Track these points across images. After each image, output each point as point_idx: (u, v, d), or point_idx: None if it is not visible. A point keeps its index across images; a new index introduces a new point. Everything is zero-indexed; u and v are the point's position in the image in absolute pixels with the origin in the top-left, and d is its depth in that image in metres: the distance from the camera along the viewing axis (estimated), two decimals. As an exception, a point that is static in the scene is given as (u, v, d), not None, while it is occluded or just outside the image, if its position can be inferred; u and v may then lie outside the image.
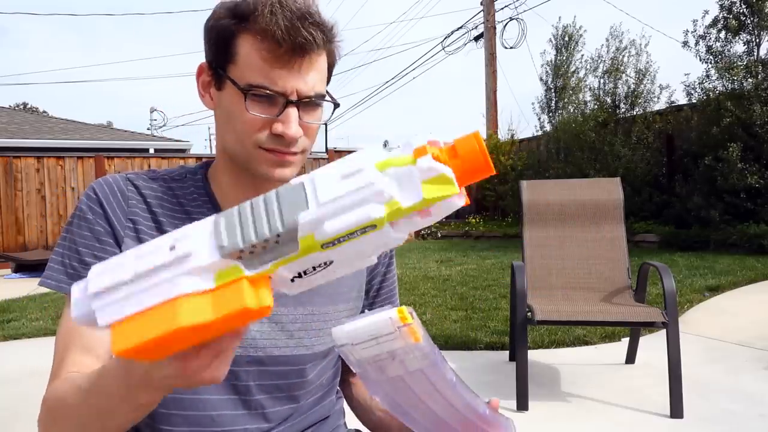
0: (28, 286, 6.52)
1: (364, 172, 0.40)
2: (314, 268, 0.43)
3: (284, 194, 0.41)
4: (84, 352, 0.76)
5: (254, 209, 0.41)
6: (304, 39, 0.73)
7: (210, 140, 46.50)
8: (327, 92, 0.82)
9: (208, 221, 0.42)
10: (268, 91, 0.74)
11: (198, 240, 0.42)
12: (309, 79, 0.76)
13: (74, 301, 0.44)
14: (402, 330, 0.55)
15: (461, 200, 0.42)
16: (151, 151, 14.81)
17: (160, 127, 29.15)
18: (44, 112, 36.37)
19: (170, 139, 17.64)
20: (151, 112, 29.31)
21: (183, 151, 15.55)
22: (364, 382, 0.59)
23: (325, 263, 0.43)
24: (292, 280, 0.45)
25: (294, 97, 0.75)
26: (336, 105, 0.82)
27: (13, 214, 8.88)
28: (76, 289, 0.44)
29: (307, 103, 0.77)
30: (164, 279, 0.41)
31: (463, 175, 0.43)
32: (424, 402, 0.60)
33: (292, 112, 0.76)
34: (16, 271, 8.06)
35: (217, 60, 0.78)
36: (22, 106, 37.66)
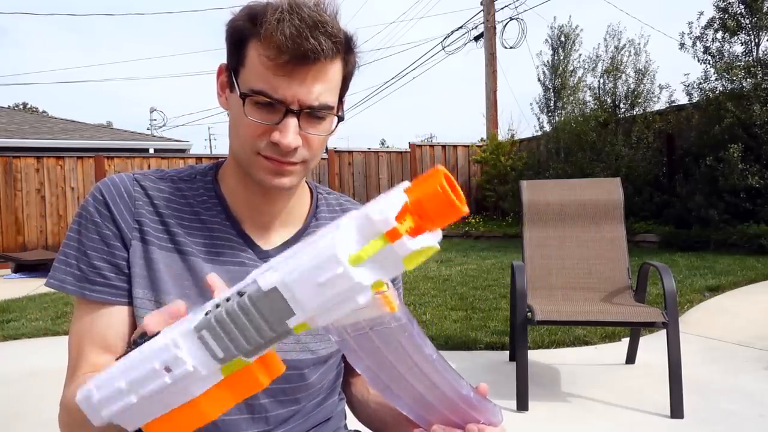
0: (27, 287, 6.52)
1: (342, 277, 0.38)
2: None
3: (262, 304, 0.40)
4: (102, 351, 0.77)
5: (234, 319, 0.40)
6: (309, 48, 0.71)
7: (210, 140, 46.56)
8: (342, 101, 0.80)
9: (190, 334, 0.42)
10: (268, 99, 0.73)
11: (191, 357, 0.42)
12: (314, 89, 0.74)
13: (79, 401, 0.45)
14: (376, 298, 0.53)
15: (431, 239, 0.42)
16: (151, 151, 14.80)
17: (160, 127, 29.19)
18: (44, 112, 36.39)
19: (170, 139, 17.63)
20: (151, 112, 29.35)
21: (183, 151, 15.54)
22: (345, 353, 0.58)
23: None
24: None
25: (295, 107, 0.74)
26: (340, 119, 0.80)
27: (13, 214, 8.88)
28: (83, 400, 0.45)
29: (309, 113, 0.76)
30: (174, 391, 0.42)
31: (437, 225, 0.41)
32: (405, 378, 0.60)
33: (291, 121, 0.74)
34: (15, 271, 8.05)
35: (231, 62, 0.78)
36: (21, 106, 37.67)
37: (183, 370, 0.41)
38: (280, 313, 0.40)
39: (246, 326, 0.40)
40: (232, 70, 0.78)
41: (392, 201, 0.39)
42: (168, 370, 0.41)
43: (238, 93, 0.75)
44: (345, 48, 0.77)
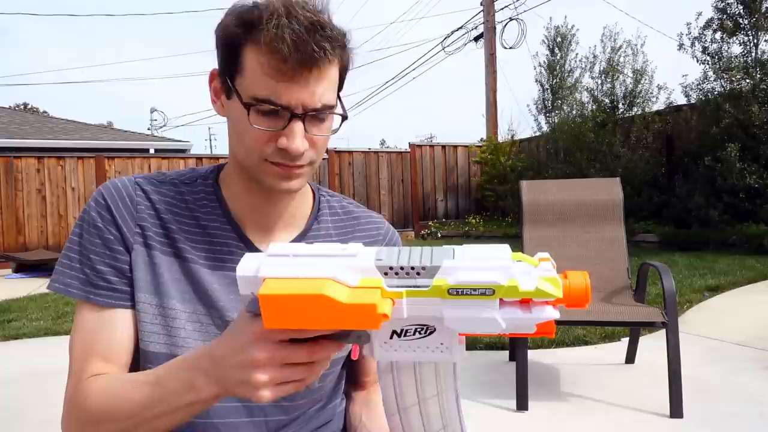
0: (28, 286, 6.52)
1: (502, 252, 0.52)
2: (415, 332, 0.54)
3: (438, 249, 0.53)
4: (105, 360, 0.77)
5: (413, 251, 0.53)
6: (312, 53, 0.70)
7: (210, 140, 46.57)
8: (339, 98, 0.80)
9: (374, 248, 0.55)
10: (272, 106, 0.73)
11: (363, 250, 0.54)
12: (316, 91, 0.73)
13: (246, 256, 0.56)
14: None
15: (555, 314, 0.51)
16: (152, 151, 14.81)
17: (161, 127, 29.25)
18: (45, 112, 36.37)
19: (171, 139, 17.63)
20: (152, 112, 29.43)
21: (183, 151, 15.55)
22: (380, 359, 0.58)
23: (427, 329, 0.54)
24: (391, 337, 0.55)
25: (299, 111, 0.73)
26: (344, 118, 0.80)
27: (14, 214, 8.88)
28: (250, 255, 0.57)
29: (314, 115, 0.75)
30: (326, 264, 0.52)
31: (565, 295, 0.52)
32: (418, 406, 0.60)
33: (297, 126, 0.74)
34: (16, 271, 8.05)
35: (225, 69, 0.77)
36: (22, 107, 37.67)
37: (352, 252, 0.53)
38: (443, 255, 0.52)
39: (416, 253, 0.52)
40: (227, 77, 0.76)
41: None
42: (344, 249, 0.54)
43: (240, 101, 0.74)
44: (341, 45, 0.76)
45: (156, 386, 0.66)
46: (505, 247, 0.52)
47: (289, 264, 0.53)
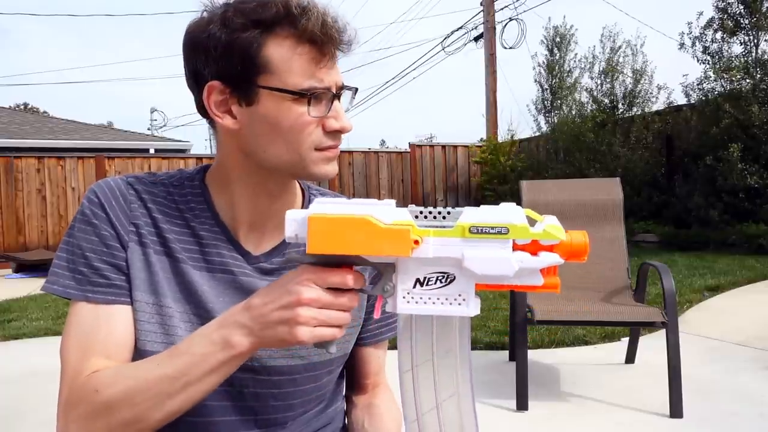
0: (28, 286, 6.52)
1: (512, 205, 0.59)
2: (437, 281, 0.60)
3: (454, 211, 0.60)
4: (105, 357, 0.76)
5: (433, 210, 0.60)
6: (339, 34, 0.75)
7: (210, 140, 46.55)
8: None
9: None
10: (319, 90, 0.75)
11: (396, 206, 0.61)
12: (339, 68, 0.78)
13: (291, 210, 0.63)
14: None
15: (560, 260, 0.58)
16: (152, 151, 14.81)
17: (161, 128, 29.27)
18: (45, 112, 36.35)
19: (171, 140, 17.65)
20: (152, 112, 29.48)
21: (183, 151, 15.55)
22: (401, 311, 0.61)
23: (447, 277, 0.60)
24: (414, 286, 0.60)
25: (334, 90, 0.77)
26: (356, 90, 0.83)
27: (14, 214, 8.88)
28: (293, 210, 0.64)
29: (341, 93, 0.79)
30: (365, 207, 0.60)
31: (567, 242, 0.59)
32: (432, 362, 0.62)
33: (339, 105, 0.78)
34: (16, 271, 8.06)
35: (242, 74, 0.74)
36: (22, 107, 37.66)
37: (387, 202, 0.61)
38: (465, 208, 0.59)
39: (439, 211, 0.59)
40: (245, 83, 0.75)
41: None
42: (380, 200, 0.61)
43: (293, 95, 0.74)
44: None
45: (180, 357, 0.68)
46: (515, 205, 0.60)
47: (338, 206, 0.61)
